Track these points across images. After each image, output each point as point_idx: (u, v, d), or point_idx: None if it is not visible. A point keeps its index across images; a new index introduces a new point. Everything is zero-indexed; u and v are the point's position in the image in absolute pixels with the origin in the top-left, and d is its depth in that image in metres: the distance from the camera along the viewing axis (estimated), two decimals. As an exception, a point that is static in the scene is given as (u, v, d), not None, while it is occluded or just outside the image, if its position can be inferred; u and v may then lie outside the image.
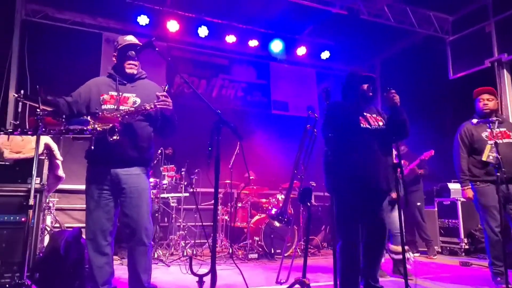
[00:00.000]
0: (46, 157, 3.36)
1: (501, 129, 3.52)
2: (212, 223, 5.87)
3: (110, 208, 2.44)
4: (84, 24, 6.24)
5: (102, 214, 2.41)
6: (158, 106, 2.37)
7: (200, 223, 5.79)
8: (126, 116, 2.36)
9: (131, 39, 2.59)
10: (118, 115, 2.34)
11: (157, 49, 2.37)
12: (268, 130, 6.84)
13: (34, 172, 2.24)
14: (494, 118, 3.52)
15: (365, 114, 2.72)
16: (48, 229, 4.25)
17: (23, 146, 3.27)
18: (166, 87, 2.43)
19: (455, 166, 3.68)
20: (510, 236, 3.91)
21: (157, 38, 6.30)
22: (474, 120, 3.60)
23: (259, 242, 5.22)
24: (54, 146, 3.52)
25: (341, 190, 2.53)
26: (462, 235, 5.40)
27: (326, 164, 2.58)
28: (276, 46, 6.77)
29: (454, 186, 5.80)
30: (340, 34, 6.77)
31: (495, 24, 5.85)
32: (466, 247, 5.37)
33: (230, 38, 6.51)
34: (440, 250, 5.63)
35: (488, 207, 3.41)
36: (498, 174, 3.03)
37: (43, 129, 2.24)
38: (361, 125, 2.64)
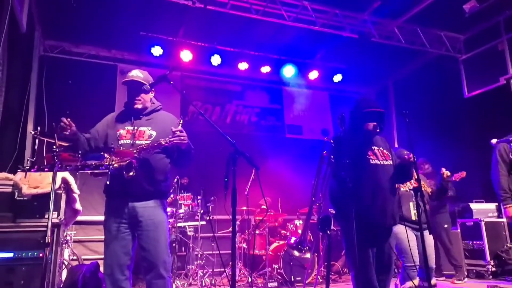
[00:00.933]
0: (64, 191, 3.38)
1: None
2: (229, 251, 5.75)
3: (128, 241, 2.41)
4: (99, 57, 6.42)
5: (119, 248, 2.38)
6: (173, 141, 2.37)
7: (218, 251, 5.71)
8: (142, 152, 2.38)
9: (133, 74, 2.60)
10: (134, 151, 2.35)
11: (171, 82, 2.41)
12: (283, 154, 6.80)
13: (51, 209, 2.23)
14: None
15: (373, 148, 2.67)
16: (66, 263, 4.21)
17: (40, 181, 3.30)
18: (181, 121, 2.44)
19: (494, 184, 3.55)
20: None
21: (170, 67, 6.49)
22: (494, 140, 3.52)
23: (279, 270, 5.09)
24: (71, 180, 3.54)
25: (349, 222, 2.45)
26: (488, 257, 5.18)
27: (335, 195, 2.59)
28: (288, 71, 6.84)
29: (476, 206, 5.62)
30: (352, 57, 6.81)
31: (508, 42, 5.83)
32: (493, 269, 5.14)
33: (243, 65, 6.61)
34: (466, 274, 5.40)
35: None
36: None
37: (59, 166, 2.26)
38: (371, 160, 2.61)
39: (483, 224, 5.30)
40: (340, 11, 5.69)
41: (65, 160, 2.33)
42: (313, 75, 7.06)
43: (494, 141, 3.57)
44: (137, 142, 2.46)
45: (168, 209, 4.92)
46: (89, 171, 2.35)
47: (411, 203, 3.54)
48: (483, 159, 3.77)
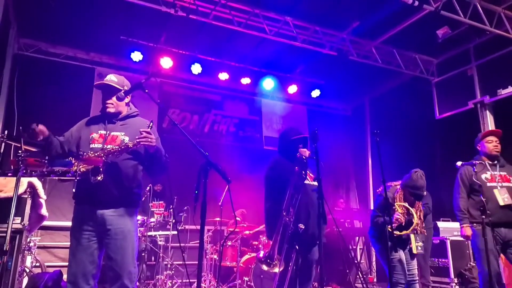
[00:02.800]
0: (29, 196, 3.27)
1: (502, 173, 3.58)
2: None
3: (94, 249, 2.35)
4: (77, 59, 6.30)
5: (85, 256, 2.32)
6: (139, 143, 2.33)
7: (188, 262, 5.62)
8: (110, 155, 2.33)
9: (107, 78, 2.59)
10: (102, 155, 2.30)
11: (146, 91, 2.38)
12: (260, 166, 6.75)
13: (12, 216, 2.16)
14: (495, 161, 3.58)
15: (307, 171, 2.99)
16: (28, 270, 4.04)
17: (5, 185, 3.18)
18: (151, 124, 2.41)
19: (454, 205, 3.70)
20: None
21: (149, 74, 6.44)
22: (459, 163, 3.65)
23: (249, 283, 5.05)
24: (38, 184, 3.43)
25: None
26: (452, 275, 5.32)
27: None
28: (268, 84, 6.92)
29: (443, 225, 5.77)
30: (330, 73, 6.98)
31: (477, 68, 6.12)
32: (457, 287, 5.27)
33: (223, 76, 6.63)
34: (433, 292, 5.53)
35: (482, 250, 3.39)
36: (491, 218, 3.06)
37: (24, 171, 2.20)
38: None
39: (448, 242, 5.44)
40: (320, 29, 5.84)
41: (31, 166, 2.28)
42: (292, 89, 7.17)
43: (459, 163, 3.70)
44: (107, 146, 2.41)
45: (139, 217, 4.82)
46: (56, 178, 2.30)
47: (412, 236, 3.46)
48: (452, 179, 3.91)
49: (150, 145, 2.37)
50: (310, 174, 3.07)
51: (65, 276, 4.11)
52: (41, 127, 2.32)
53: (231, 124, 7.30)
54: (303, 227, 2.82)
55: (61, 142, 2.47)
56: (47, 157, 2.27)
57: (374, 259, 7.03)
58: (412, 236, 3.39)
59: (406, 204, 3.47)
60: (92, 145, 2.43)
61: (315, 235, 2.90)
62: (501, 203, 3.39)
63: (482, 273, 3.39)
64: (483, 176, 3.57)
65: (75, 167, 2.20)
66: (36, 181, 3.43)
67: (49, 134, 2.37)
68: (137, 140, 2.33)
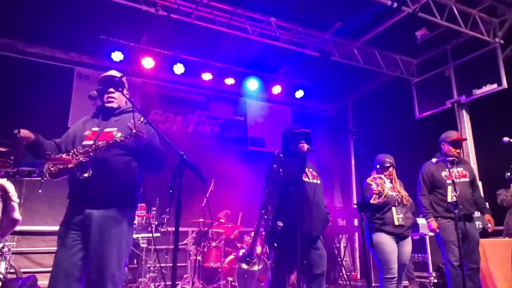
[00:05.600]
0: (1, 199, 3.15)
1: (458, 169, 3.83)
2: (184, 264, 5.55)
3: (77, 251, 2.23)
4: (56, 59, 6.12)
5: (67, 257, 2.21)
6: (127, 136, 2.26)
7: (171, 265, 5.54)
8: (98, 151, 2.24)
9: (110, 73, 2.54)
10: (90, 151, 2.22)
11: (120, 89, 2.36)
12: (245, 166, 6.79)
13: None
14: (451, 158, 3.76)
15: (306, 169, 3.03)
16: (1, 276, 3.89)
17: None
18: (142, 118, 2.32)
19: (417, 202, 3.91)
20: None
21: (132, 74, 6.34)
22: (434, 160, 3.78)
23: (233, 283, 5.02)
24: (10, 187, 3.31)
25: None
26: (430, 269, 5.44)
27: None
28: (252, 84, 6.91)
29: (422, 221, 5.87)
30: (314, 74, 7.03)
31: (454, 69, 6.30)
32: (435, 281, 5.39)
33: (206, 76, 6.59)
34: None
35: (448, 242, 3.62)
36: (456, 211, 3.21)
37: None
38: (303, 178, 2.96)
39: (427, 238, 5.57)
40: (303, 29, 5.88)
41: (-5, 166, 2.17)
42: (276, 89, 7.19)
43: (434, 160, 3.84)
44: (99, 143, 2.32)
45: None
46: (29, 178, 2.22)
47: (393, 208, 3.48)
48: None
49: (140, 139, 2.29)
50: (313, 173, 3.10)
51: (41, 282, 3.98)
52: (23, 131, 2.20)
53: (216, 125, 7.25)
54: (282, 225, 2.81)
55: (57, 144, 2.41)
56: (12, 158, 2.17)
57: (357, 256, 7.10)
58: (393, 208, 3.43)
59: (378, 175, 3.60)
60: (84, 142, 2.37)
61: (313, 235, 2.92)
62: (449, 199, 3.65)
63: (449, 263, 3.59)
64: (443, 173, 3.81)
65: (42, 168, 2.10)
66: (8, 184, 3.31)
67: (36, 137, 2.26)
68: (126, 135, 2.26)
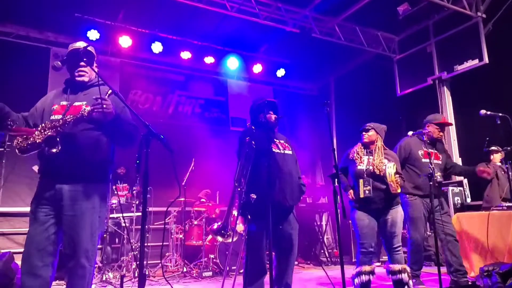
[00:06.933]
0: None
1: (434, 151, 3.84)
2: (166, 243, 5.58)
3: (50, 225, 2.22)
4: (30, 38, 5.99)
5: (39, 232, 2.20)
6: (94, 110, 2.21)
7: (153, 244, 5.62)
8: (66, 125, 2.21)
9: (79, 44, 2.44)
10: (57, 125, 2.19)
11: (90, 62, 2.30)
12: (226, 147, 6.78)
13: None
14: (426, 139, 3.81)
15: (275, 140, 3.02)
16: (-21, 255, 3.91)
17: None
18: (109, 91, 2.26)
19: None
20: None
21: (109, 53, 6.23)
22: (410, 133, 3.78)
23: (214, 260, 5.11)
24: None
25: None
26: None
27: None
28: (232, 63, 6.84)
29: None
30: (295, 52, 6.97)
31: (435, 44, 6.27)
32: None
33: (185, 55, 6.50)
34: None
35: (413, 218, 3.69)
36: (431, 183, 3.22)
37: None
38: (273, 149, 2.95)
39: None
40: (282, 5, 5.80)
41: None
42: (257, 68, 7.12)
43: (410, 133, 3.85)
44: (67, 117, 2.27)
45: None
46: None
47: (360, 180, 3.37)
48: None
49: (107, 112, 2.24)
50: (284, 144, 3.08)
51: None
52: None
53: (196, 105, 7.20)
54: (255, 197, 2.83)
55: (24, 117, 2.36)
56: None
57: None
58: (360, 180, 3.35)
59: (358, 145, 3.54)
60: (52, 117, 2.32)
61: (287, 206, 2.90)
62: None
63: (413, 238, 3.67)
64: (420, 152, 3.81)
65: (6, 138, 2.11)
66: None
67: (0, 106, 2.21)
68: (93, 108, 2.22)
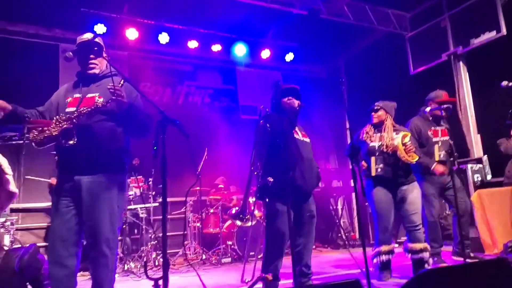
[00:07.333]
0: (-6, 173, 3.21)
1: (441, 128, 3.85)
2: (184, 232, 5.64)
3: (71, 216, 2.27)
4: (39, 36, 6.04)
5: (62, 223, 2.26)
6: (108, 101, 2.23)
7: (172, 233, 5.69)
8: (81, 117, 2.24)
9: (86, 36, 2.45)
10: (73, 118, 2.21)
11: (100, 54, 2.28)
12: (238, 135, 6.79)
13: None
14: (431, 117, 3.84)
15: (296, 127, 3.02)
16: (6, 248, 4.03)
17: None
18: (122, 81, 2.29)
19: None
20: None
21: (117, 47, 6.23)
22: (428, 109, 3.71)
23: (233, 246, 5.17)
24: (2, 160, 3.36)
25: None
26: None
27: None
28: (240, 50, 6.76)
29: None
30: (303, 35, 6.84)
31: (449, 18, 6.06)
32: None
33: (193, 44, 6.45)
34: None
35: (427, 194, 3.70)
36: (452, 158, 3.18)
37: None
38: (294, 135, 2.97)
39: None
40: (289, -13, 5.67)
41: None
42: (265, 54, 7.02)
43: (427, 109, 3.78)
44: (82, 109, 2.30)
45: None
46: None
47: (372, 158, 3.35)
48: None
49: (121, 102, 2.26)
50: (302, 131, 3.10)
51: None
52: None
53: (206, 95, 7.18)
54: (272, 180, 2.82)
55: (40, 112, 2.40)
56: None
57: (355, 215, 7.19)
58: (372, 158, 3.36)
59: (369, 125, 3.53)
60: (67, 109, 2.35)
61: (307, 190, 2.92)
62: (437, 158, 3.73)
63: (427, 215, 3.71)
64: (429, 132, 3.82)
65: (23, 131, 2.14)
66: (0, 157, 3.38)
67: (13, 107, 2.24)
68: (109, 100, 2.24)
